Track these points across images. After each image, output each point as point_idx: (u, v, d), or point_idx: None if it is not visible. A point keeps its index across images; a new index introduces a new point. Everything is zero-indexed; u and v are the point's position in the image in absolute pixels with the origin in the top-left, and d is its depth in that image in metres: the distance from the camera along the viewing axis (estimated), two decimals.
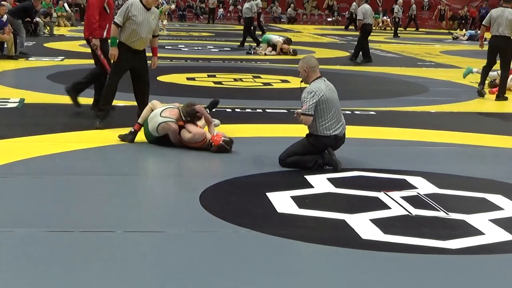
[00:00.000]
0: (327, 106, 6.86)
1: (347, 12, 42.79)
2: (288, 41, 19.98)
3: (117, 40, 8.39)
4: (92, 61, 9.72)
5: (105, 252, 4.53)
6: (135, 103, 8.86)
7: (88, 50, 9.75)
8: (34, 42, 20.49)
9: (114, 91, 8.63)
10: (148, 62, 8.72)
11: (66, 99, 10.59)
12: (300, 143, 7.02)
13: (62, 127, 8.48)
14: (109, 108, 8.77)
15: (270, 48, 19.80)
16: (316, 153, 6.93)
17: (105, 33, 9.27)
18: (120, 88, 8.82)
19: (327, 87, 6.96)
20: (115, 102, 9.14)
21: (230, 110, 9.96)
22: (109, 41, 8.75)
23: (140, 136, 8.08)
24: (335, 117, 6.93)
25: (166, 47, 20.70)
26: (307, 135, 7.04)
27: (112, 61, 8.56)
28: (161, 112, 7.58)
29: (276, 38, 20.30)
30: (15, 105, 9.98)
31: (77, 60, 16.35)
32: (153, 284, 4.07)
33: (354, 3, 30.25)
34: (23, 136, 7.90)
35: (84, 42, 10.20)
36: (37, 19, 24.00)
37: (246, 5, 22.19)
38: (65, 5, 31.53)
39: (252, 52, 19.94)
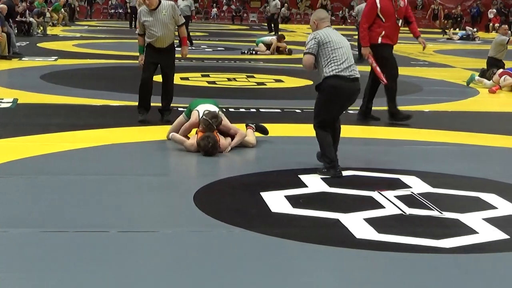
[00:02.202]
0: (333, 46, 6.65)
1: (340, 12, 42.92)
2: (281, 37, 20.08)
3: (144, 48, 9.00)
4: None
5: (99, 252, 4.52)
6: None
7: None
8: (28, 42, 20.43)
9: (145, 89, 9.00)
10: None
11: (59, 99, 10.60)
12: (316, 102, 6.79)
13: (55, 127, 8.46)
14: (145, 104, 9.04)
15: (264, 48, 19.79)
16: (330, 108, 6.69)
17: (380, 38, 9.75)
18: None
19: (335, 33, 6.83)
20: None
21: (223, 110, 9.95)
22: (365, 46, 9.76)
23: (134, 136, 8.08)
24: (345, 57, 6.69)
25: None
26: (316, 88, 6.80)
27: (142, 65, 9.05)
28: (205, 111, 7.53)
29: (269, 38, 20.32)
30: (8, 105, 9.95)
31: (71, 60, 16.29)
32: (147, 284, 4.06)
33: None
34: (17, 136, 7.88)
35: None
36: (31, 19, 23.96)
37: (185, 2, 21.11)
38: None
39: (248, 52, 19.84)
